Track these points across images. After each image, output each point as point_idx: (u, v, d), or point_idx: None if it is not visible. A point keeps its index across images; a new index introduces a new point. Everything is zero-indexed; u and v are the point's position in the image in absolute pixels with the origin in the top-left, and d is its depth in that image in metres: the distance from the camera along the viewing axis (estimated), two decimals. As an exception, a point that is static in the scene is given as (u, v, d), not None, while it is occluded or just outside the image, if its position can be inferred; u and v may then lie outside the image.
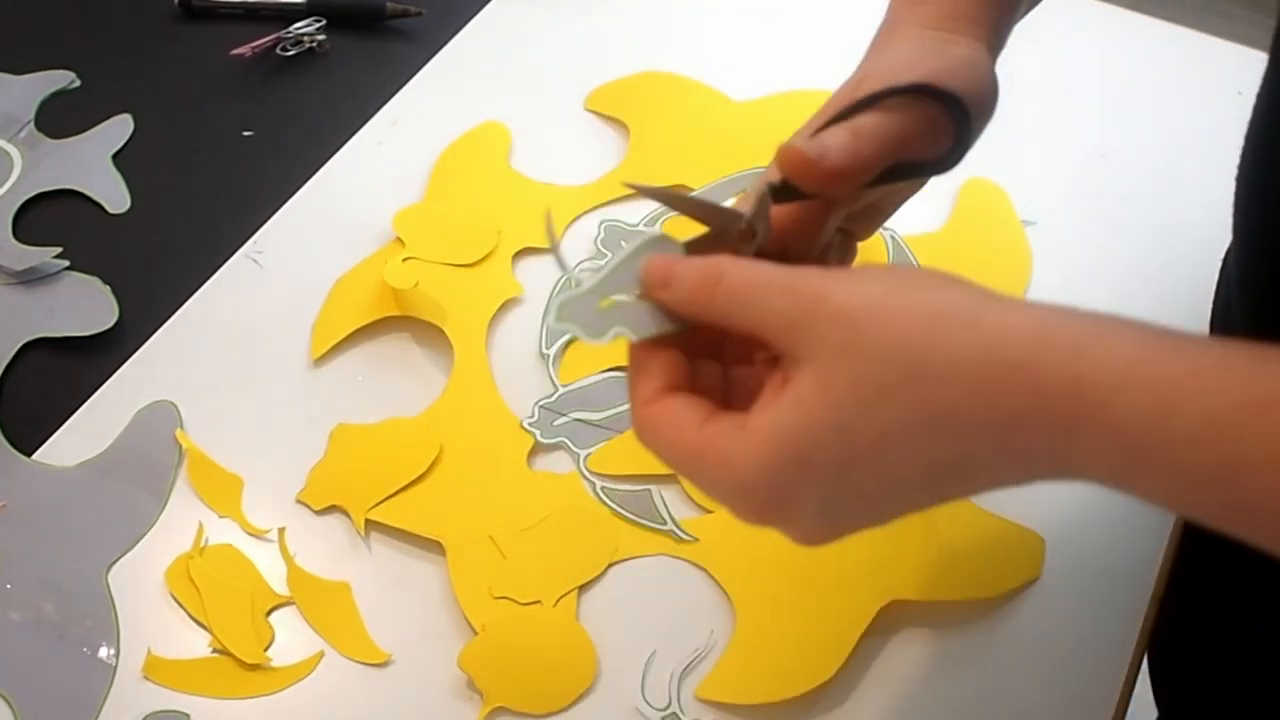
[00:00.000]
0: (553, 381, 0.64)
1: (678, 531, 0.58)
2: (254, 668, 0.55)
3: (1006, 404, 0.32)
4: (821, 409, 0.33)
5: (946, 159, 0.44)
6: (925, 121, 0.42)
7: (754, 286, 0.36)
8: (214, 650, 0.56)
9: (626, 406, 0.62)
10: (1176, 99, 0.76)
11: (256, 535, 0.59)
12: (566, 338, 0.65)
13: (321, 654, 0.56)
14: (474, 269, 0.68)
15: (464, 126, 0.75)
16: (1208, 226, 0.68)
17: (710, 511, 0.59)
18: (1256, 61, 0.77)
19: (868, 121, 0.41)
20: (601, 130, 0.76)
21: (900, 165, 0.42)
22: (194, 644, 0.56)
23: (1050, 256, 0.68)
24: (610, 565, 0.58)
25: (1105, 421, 0.31)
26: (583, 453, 0.61)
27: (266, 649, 0.56)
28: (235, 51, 0.78)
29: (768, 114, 0.75)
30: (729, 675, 0.54)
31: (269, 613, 0.57)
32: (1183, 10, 0.87)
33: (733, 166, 0.72)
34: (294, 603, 0.57)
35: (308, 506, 0.60)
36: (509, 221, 0.70)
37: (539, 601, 0.56)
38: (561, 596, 0.56)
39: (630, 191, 0.71)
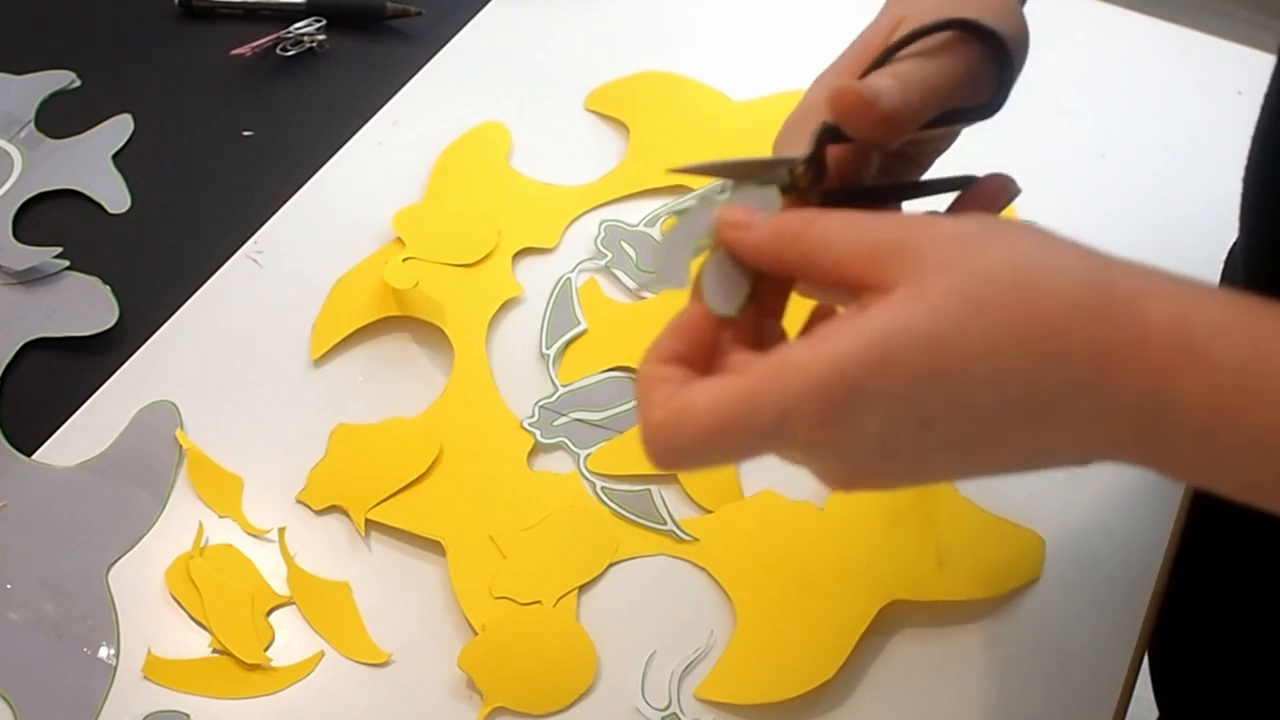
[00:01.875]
0: (553, 381, 0.64)
1: (678, 531, 0.58)
2: (254, 668, 0.55)
3: (1108, 333, 0.31)
4: (914, 315, 0.31)
5: (990, 104, 0.43)
6: (966, 67, 0.41)
7: (852, 224, 0.34)
8: (214, 650, 0.56)
9: (627, 406, 0.62)
10: (1176, 99, 0.76)
11: (256, 535, 0.59)
12: (566, 337, 0.65)
13: (321, 654, 0.56)
14: (474, 269, 0.68)
15: (464, 126, 0.75)
16: (1208, 226, 0.68)
17: (710, 511, 0.59)
18: (1257, 61, 0.78)
19: (911, 69, 0.40)
20: (601, 130, 0.76)
21: (945, 113, 0.42)
22: (194, 644, 0.56)
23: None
24: (610, 565, 0.58)
25: (1206, 364, 0.30)
26: (583, 453, 0.61)
27: (266, 649, 0.56)
28: (235, 51, 0.78)
29: (768, 114, 0.75)
30: (729, 675, 0.54)
31: (269, 613, 0.57)
32: (1183, 10, 0.87)
33: (733, 166, 0.72)
34: (294, 603, 0.57)
35: (308, 507, 0.60)
36: (509, 221, 0.70)
37: (539, 601, 0.56)
38: (561, 596, 0.56)
39: (632, 191, 0.72)
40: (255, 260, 0.69)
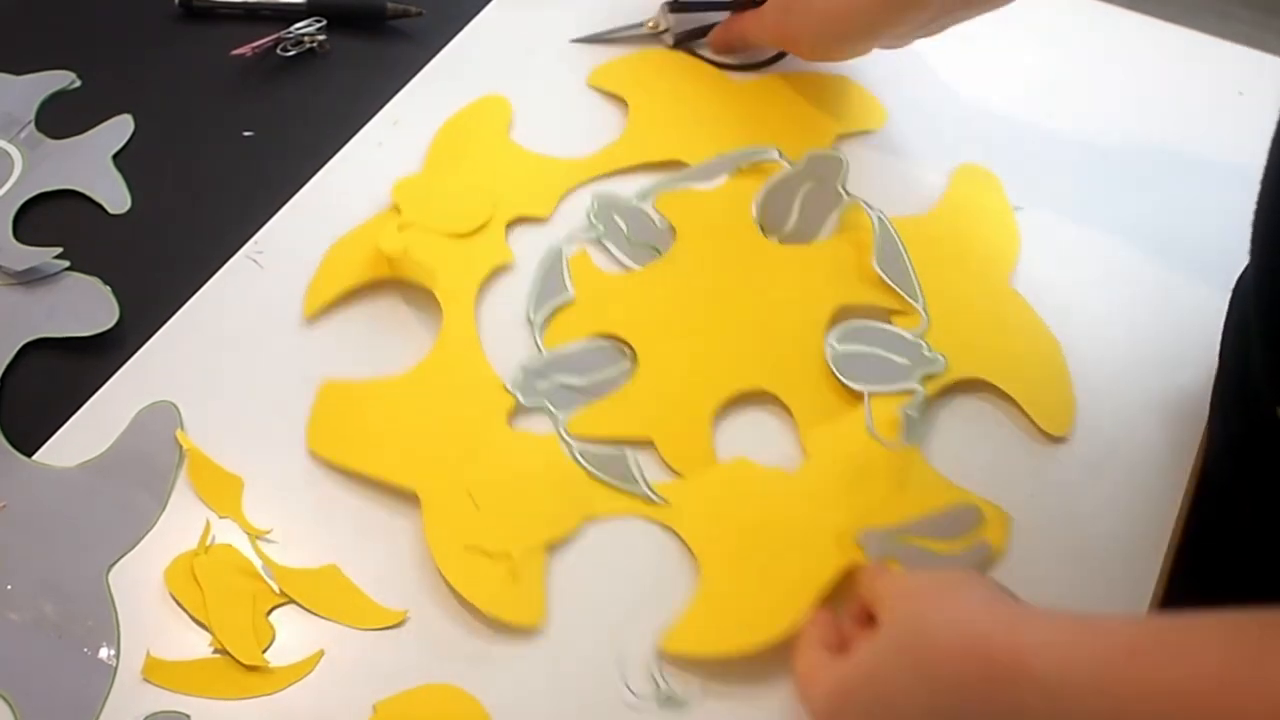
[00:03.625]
0: (538, 346, 0.64)
1: (650, 494, 0.59)
2: (254, 668, 0.55)
3: (965, 669, 0.45)
4: (868, 659, 0.49)
5: None
6: None
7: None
8: (214, 651, 0.55)
9: (609, 372, 0.63)
10: (1176, 99, 0.76)
11: (257, 535, 0.59)
12: (553, 304, 0.66)
13: (321, 654, 0.56)
14: (468, 236, 0.68)
15: (464, 126, 0.75)
16: (1208, 226, 0.68)
17: (681, 475, 0.60)
18: (1257, 61, 0.78)
19: None
20: (602, 106, 0.76)
21: None
22: (194, 645, 0.56)
23: (1047, 252, 0.68)
24: (582, 525, 0.58)
25: (1032, 679, 0.43)
26: (563, 415, 0.61)
27: (266, 649, 0.56)
28: (235, 51, 0.78)
29: (765, 94, 0.76)
30: (694, 627, 0.55)
31: (269, 613, 0.57)
32: (1183, 10, 0.87)
33: (730, 144, 0.72)
34: (293, 600, 0.57)
35: (318, 456, 0.61)
36: (505, 191, 0.70)
37: (508, 553, 0.56)
38: (531, 550, 0.57)
39: (628, 165, 0.71)
40: (255, 260, 0.69)
